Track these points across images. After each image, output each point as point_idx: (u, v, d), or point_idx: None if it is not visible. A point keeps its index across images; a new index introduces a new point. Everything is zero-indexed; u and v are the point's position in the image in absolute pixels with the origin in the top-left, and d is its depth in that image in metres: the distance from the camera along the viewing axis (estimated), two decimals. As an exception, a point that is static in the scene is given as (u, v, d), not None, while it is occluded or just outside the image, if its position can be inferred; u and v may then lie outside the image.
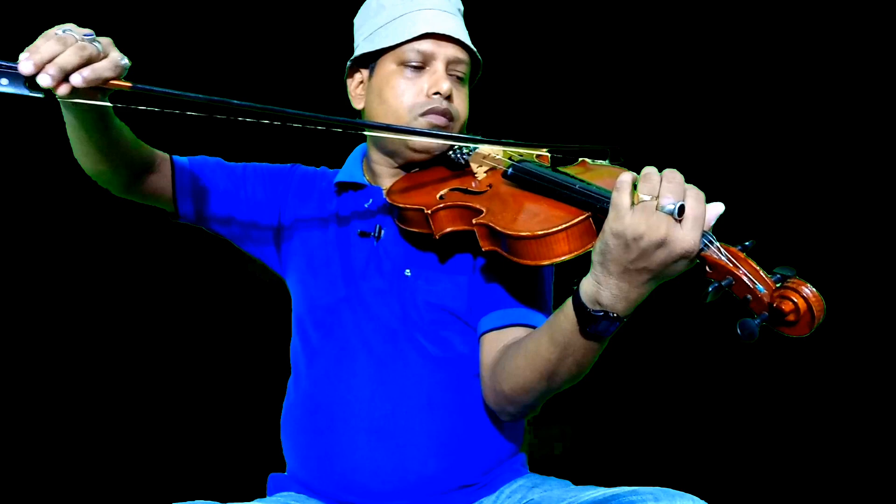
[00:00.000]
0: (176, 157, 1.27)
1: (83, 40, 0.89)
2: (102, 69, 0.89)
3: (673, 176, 0.86)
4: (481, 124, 1.26)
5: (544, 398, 1.07)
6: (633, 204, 0.86)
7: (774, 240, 1.05)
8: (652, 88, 2.83)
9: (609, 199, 0.88)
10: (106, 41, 0.92)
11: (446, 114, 1.19)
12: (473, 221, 1.04)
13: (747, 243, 0.85)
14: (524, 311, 1.13)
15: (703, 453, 2.72)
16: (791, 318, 0.80)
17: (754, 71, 2.80)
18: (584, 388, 1.10)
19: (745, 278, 0.82)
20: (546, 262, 0.96)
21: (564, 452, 2.83)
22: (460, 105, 1.23)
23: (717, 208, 0.86)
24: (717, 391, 2.79)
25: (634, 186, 0.87)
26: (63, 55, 0.86)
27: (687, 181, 0.86)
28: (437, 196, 1.13)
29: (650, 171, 0.88)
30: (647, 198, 0.85)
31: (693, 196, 0.85)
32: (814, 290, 0.80)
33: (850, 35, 2.69)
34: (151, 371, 2.65)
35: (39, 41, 0.88)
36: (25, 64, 0.86)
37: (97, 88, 0.91)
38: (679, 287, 0.92)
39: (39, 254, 2.59)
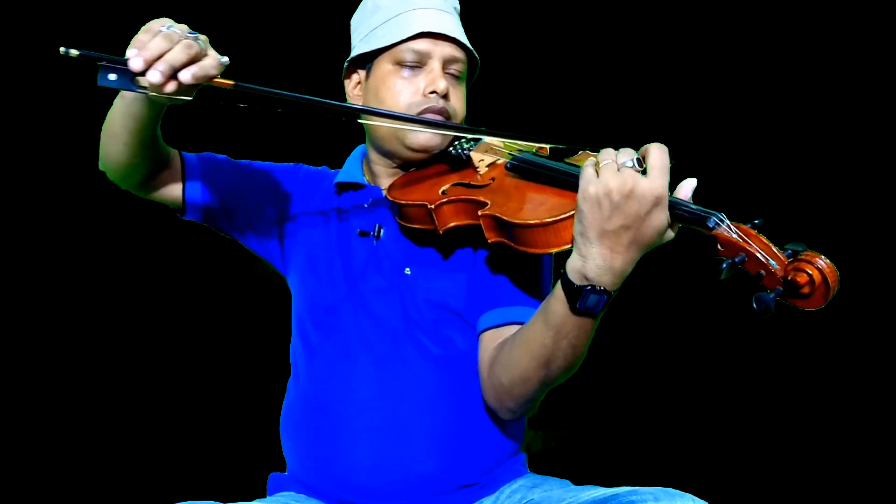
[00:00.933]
0: (185, 154, 1.27)
1: (188, 38, 0.89)
2: (209, 67, 0.90)
3: (624, 148, 0.92)
4: (480, 123, 1.26)
5: (543, 390, 1.06)
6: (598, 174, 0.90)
7: (783, 219, 1.05)
8: (653, 74, 2.83)
9: None
10: (205, 39, 0.93)
11: (443, 112, 1.18)
12: (479, 213, 1.04)
13: (757, 221, 0.88)
14: (523, 310, 1.13)
15: (703, 453, 2.71)
16: (806, 290, 0.82)
17: (758, 57, 2.79)
18: (584, 387, 1.10)
19: (757, 254, 0.85)
20: (554, 250, 0.97)
21: (564, 452, 2.82)
22: (457, 103, 1.22)
23: (690, 182, 0.92)
24: (717, 391, 2.79)
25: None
26: (171, 52, 0.87)
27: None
28: (440, 191, 1.13)
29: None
30: (607, 161, 0.90)
31: (657, 147, 0.90)
32: (828, 261, 0.82)
33: (851, 24, 2.68)
34: (152, 371, 2.65)
35: (144, 37, 0.88)
36: (135, 60, 0.85)
37: (194, 85, 0.91)
38: (680, 285, 0.92)
39: (40, 253, 2.59)
